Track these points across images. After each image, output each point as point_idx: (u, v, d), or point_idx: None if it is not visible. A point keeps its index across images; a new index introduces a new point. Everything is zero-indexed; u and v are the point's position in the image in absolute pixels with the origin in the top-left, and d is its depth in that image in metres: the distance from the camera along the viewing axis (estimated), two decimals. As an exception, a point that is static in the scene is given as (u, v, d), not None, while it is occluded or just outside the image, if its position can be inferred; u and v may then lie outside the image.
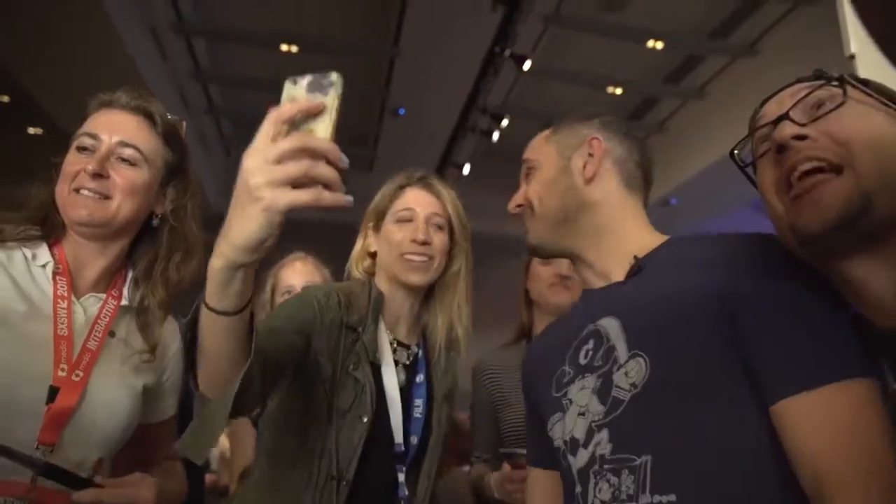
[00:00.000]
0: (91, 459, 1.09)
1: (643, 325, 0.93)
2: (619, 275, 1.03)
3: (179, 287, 1.23)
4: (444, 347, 1.47)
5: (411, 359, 1.44)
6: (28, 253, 1.14)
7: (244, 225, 0.74)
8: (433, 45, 6.35)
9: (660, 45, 6.51)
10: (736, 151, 0.93)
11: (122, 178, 1.15)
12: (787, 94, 0.87)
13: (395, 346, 1.42)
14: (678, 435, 0.84)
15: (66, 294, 1.12)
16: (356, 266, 1.50)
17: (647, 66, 7.11)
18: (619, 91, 7.46)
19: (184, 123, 1.30)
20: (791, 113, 0.83)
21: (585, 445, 0.93)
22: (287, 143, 0.74)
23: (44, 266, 1.14)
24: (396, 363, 1.40)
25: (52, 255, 1.15)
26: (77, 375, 1.07)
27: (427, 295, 1.49)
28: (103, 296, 1.18)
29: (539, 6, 5.46)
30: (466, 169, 7.89)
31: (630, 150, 1.13)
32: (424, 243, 1.41)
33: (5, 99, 7.67)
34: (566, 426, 0.99)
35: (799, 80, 0.88)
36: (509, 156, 9.36)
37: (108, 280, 1.21)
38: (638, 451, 0.86)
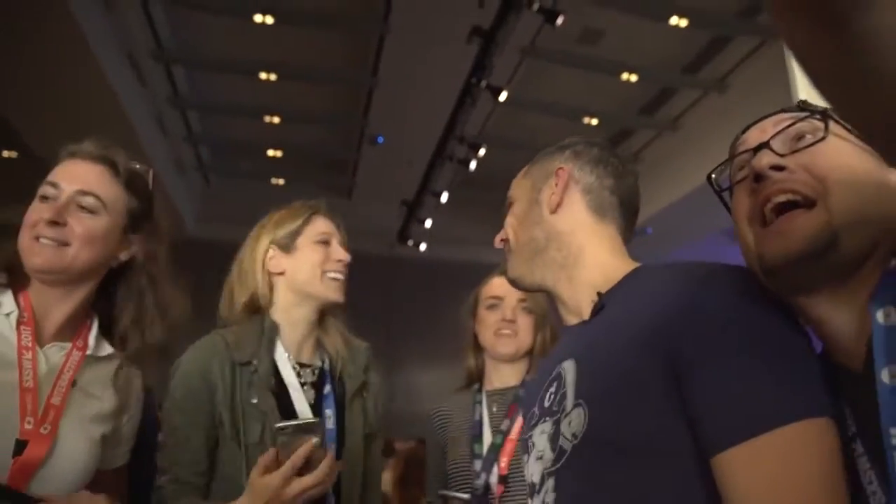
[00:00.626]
0: None
1: (590, 372, 0.90)
2: (587, 311, 0.99)
3: (153, 338, 1.25)
4: (343, 351, 1.52)
5: (316, 374, 1.48)
6: None
7: None
8: (411, 75, 6.44)
9: (634, 77, 6.67)
10: (714, 176, 0.92)
11: (81, 225, 1.17)
12: (770, 122, 0.86)
13: (297, 368, 1.47)
14: (613, 493, 0.81)
15: (29, 344, 1.13)
16: (255, 288, 1.52)
17: (622, 98, 7.27)
18: (594, 122, 7.60)
19: (150, 172, 1.32)
20: (772, 142, 0.82)
21: (538, 492, 0.92)
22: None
23: (8, 315, 1.14)
24: (304, 384, 1.45)
25: (17, 303, 1.16)
26: (45, 429, 1.09)
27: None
28: (67, 345, 1.19)
29: (515, 38, 5.58)
30: (444, 197, 7.95)
31: (602, 176, 1.09)
32: (344, 263, 1.53)
33: (-21, 123, 7.60)
34: (529, 469, 0.97)
35: (783, 110, 0.87)
36: (486, 185, 9.46)
37: (73, 328, 1.21)
38: (570, 501, 0.85)
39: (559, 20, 5.08)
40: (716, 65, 6.59)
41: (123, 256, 1.24)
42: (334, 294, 1.50)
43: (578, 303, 1.01)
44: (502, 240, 1.14)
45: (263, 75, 6.74)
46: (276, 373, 1.42)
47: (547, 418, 0.94)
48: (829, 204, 0.75)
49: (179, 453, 1.32)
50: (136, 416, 1.28)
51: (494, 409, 1.68)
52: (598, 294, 0.97)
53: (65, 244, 1.16)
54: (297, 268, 1.51)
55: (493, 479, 1.56)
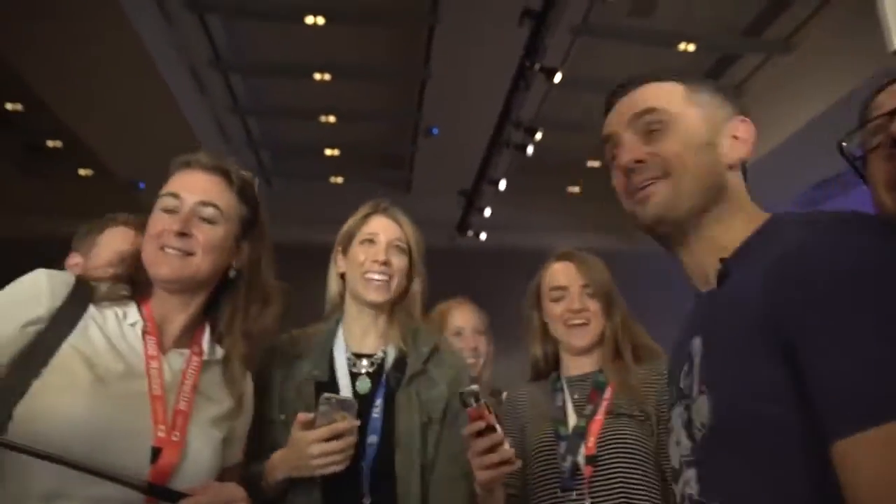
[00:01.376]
0: None
1: (714, 353, 0.85)
2: (713, 278, 0.91)
3: (260, 338, 1.34)
4: (400, 342, 1.58)
5: (375, 365, 1.56)
6: (119, 312, 1.21)
7: (297, 470, 1.38)
8: (463, 64, 6.41)
9: (691, 47, 6.43)
10: (844, 143, 0.87)
11: (204, 235, 1.22)
12: None
13: (352, 359, 1.57)
14: (744, 484, 0.78)
15: (155, 353, 1.18)
16: (330, 289, 1.68)
17: (681, 69, 7.03)
18: (652, 96, 7.38)
19: (256, 180, 1.38)
20: None
21: (677, 480, 0.91)
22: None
23: (133, 324, 1.20)
24: (359, 374, 1.55)
25: (140, 312, 1.22)
26: (175, 436, 1.14)
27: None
28: (186, 351, 1.24)
29: (566, 18, 5.47)
30: (503, 185, 7.89)
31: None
32: (385, 263, 1.57)
33: (59, 144, 8.02)
34: (671, 452, 0.96)
35: None
36: (544, 169, 9.33)
37: (190, 334, 1.27)
38: (711, 497, 0.83)
39: (610, -5, 4.95)
40: (779, 26, 6.28)
41: (236, 264, 1.30)
42: (371, 294, 1.56)
43: (705, 268, 0.92)
44: (639, 161, 0.94)
45: (318, 76, 6.84)
46: (331, 364, 1.55)
47: (681, 401, 0.92)
48: None
49: None
50: (249, 414, 1.36)
51: (576, 396, 1.64)
52: (721, 260, 0.89)
53: (190, 254, 1.21)
54: (348, 268, 1.62)
55: (581, 459, 1.52)
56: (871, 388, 0.68)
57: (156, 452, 1.11)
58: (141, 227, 1.28)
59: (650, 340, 1.69)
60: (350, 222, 1.67)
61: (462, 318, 2.33)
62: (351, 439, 1.36)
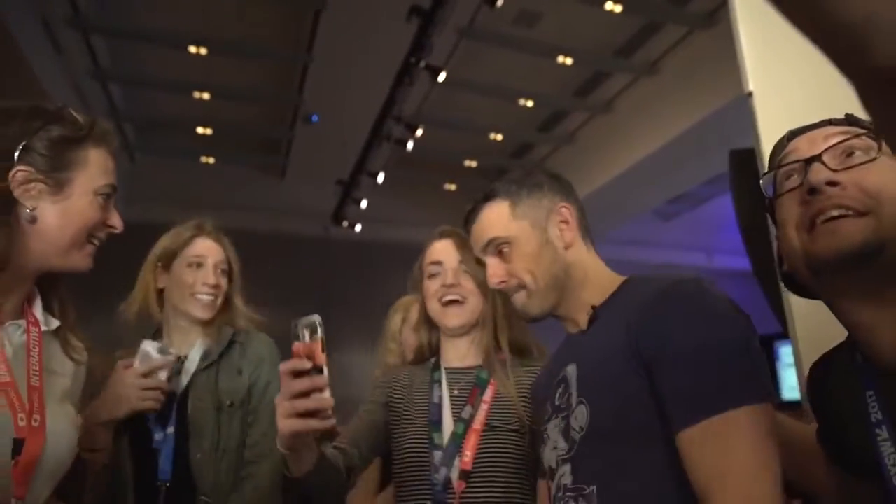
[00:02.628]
0: (47, 495, 1.09)
1: (588, 374, 1.10)
2: (584, 322, 1.17)
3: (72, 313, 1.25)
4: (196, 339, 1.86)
5: (181, 363, 1.82)
6: None
7: (116, 408, 1.56)
8: (348, 53, 6.31)
9: (569, 60, 6.73)
10: (762, 182, 0.96)
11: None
12: (820, 135, 0.89)
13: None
14: (613, 470, 1.01)
15: None
16: (143, 299, 1.85)
17: (558, 80, 7.34)
18: (529, 104, 7.65)
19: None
20: (824, 156, 0.85)
21: (553, 477, 1.13)
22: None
23: None
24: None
25: None
26: (35, 420, 1.04)
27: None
28: (22, 322, 1.12)
29: (454, 18, 5.54)
30: (381, 177, 7.87)
31: (577, 202, 1.27)
32: (214, 286, 1.80)
33: None
34: (546, 456, 1.18)
35: (829, 122, 0.91)
36: (422, 165, 9.39)
37: (21, 305, 1.14)
38: (587, 482, 1.04)
39: (498, 1, 5.07)
40: (647, 50, 6.73)
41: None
42: (199, 312, 1.79)
43: (577, 317, 1.19)
44: (502, 281, 1.23)
45: (193, 49, 6.45)
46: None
47: (557, 414, 1.15)
48: (879, 216, 0.80)
49: None
50: (83, 378, 1.27)
51: (455, 392, 1.55)
52: (593, 308, 1.16)
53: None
54: (171, 285, 1.80)
55: (455, 473, 1.43)
56: (699, 393, 0.94)
57: (18, 444, 1.01)
58: None
59: (530, 338, 1.63)
60: (172, 241, 1.81)
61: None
62: (164, 376, 1.63)
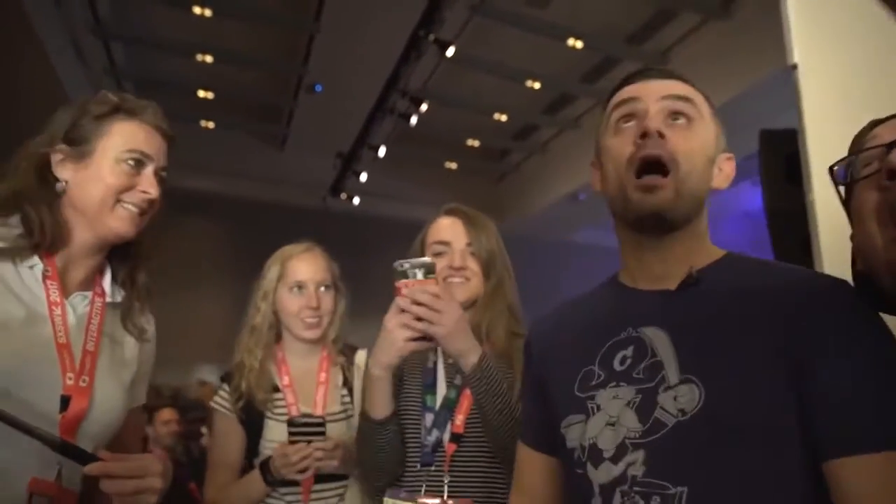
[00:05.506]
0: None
1: (699, 349, 0.89)
2: (671, 282, 0.96)
3: (149, 287, 1.32)
4: None
5: None
6: (16, 258, 1.17)
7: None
8: (356, 23, 6.21)
9: (579, 44, 6.65)
10: (835, 168, 0.89)
11: (157, 196, 1.24)
12: None
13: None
14: (719, 474, 0.82)
15: (58, 300, 1.15)
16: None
17: (566, 63, 7.25)
18: (537, 85, 7.57)
19: None
20: None
21: (615, 461, 0.90)
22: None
23: (32, 267, 1.16)
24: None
25: (40, 257, 1.17)
26: (84, 381, 1.14)
27: None
28: (89, 294, 1.22)
29: (465, -7, 5.45)
30: (382, 151, 7.80)
31: None
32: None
33: None
34: (587, 431, 0.94)
35: None
36: (425, 141, 9.31)
37: (92, 277, 1.25)
38: (674, 480, 0.84)
39: (511, -22, 4.98)
40: (659, 39, 6.65)
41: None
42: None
43: (668, 270, 0.96)
44: (661, 134, 0.93)
45: (197, 10, 6.34)
46: None
47: (622, 383, 0.93)
48: None
49: None
50: (152, 354, 1.36)
51: (450, 361, 1.54)
52: (691, 268, 0.95)
53: (143, 213, 1.22)
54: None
55: (446, 436, 1.47)
56: (879, 416, 0.78)
57: (65, 401, 1.10)
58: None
59: (519, 328, 1.59)
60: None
61: (303, 271, 1.87)
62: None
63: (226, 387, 1.79)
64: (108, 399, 1.17)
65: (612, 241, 1.08)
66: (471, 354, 1.36)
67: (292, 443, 1.69)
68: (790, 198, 1.60)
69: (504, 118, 8.46)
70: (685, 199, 0.93)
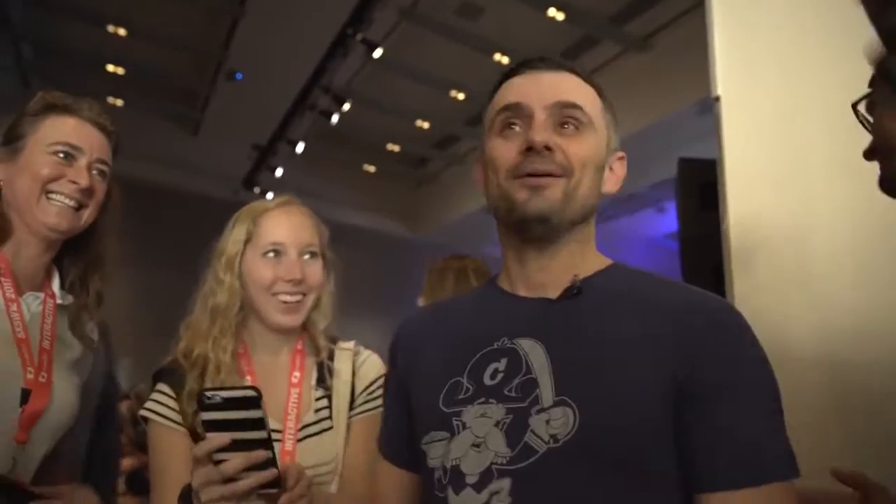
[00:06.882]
0: (44, 452, 1.18)
1: (576, 367, 0.82)
2: (553, 291, 0.89)
3: (100, 294, 1.32)
4: None
5: None
6: None
7: None
8: (283, 11, 6.04)
9: (506, 59, 6.75)
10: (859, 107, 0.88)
11: (98, 190, 1.25)
12: None
13: None
14: (595, 500, 0.77)
15: (13, 296, 1.18)
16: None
17: (491, 77, 7.32)
18: (461, 96, 7.63)
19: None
20: None
21: (478, 488, 0.81)
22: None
23: None
24: None
25: None
26: (43, 377, 1.16)
27: None
28: (40, 294, 1.24)
29: (397, -3, 5.42)
30: (300, 147, 7.62)
31: None
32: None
33: None
34: (451, 451, 0.85)
35: None
36: (344, 141, 9.17)
37: (42, 277, 1.26)
38: None
39: (444, -14, 5.00)
40: (580, 63, 6.84)
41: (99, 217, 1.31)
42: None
43: (549, 278, 0.90)
44: (548, 148, 0.87)
45: (112, -22, 5.98)
46: None
47: (491, 400, 0.84)
48: None
49: None
50: (100, 369, 1.34)
51: None
52: (575, 276, 0.88)
53: (83, 207, 1.22)
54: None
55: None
56: (756, 452, 0.76)
57: (25, 394, 1.12)
58: None
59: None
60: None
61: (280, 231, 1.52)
62: None
63: (166, 389, 1.28)
64: (64, 399, 1.19)
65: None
66: None
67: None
68: (704, 224, 1.68)
69: (426, 125, 8.47)
70: (573, 204, 0.87)
